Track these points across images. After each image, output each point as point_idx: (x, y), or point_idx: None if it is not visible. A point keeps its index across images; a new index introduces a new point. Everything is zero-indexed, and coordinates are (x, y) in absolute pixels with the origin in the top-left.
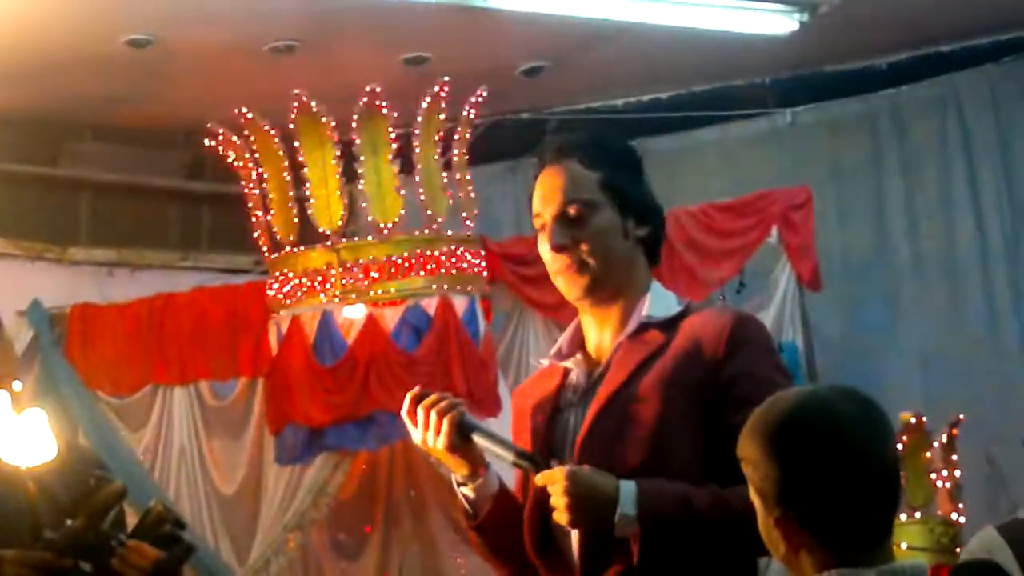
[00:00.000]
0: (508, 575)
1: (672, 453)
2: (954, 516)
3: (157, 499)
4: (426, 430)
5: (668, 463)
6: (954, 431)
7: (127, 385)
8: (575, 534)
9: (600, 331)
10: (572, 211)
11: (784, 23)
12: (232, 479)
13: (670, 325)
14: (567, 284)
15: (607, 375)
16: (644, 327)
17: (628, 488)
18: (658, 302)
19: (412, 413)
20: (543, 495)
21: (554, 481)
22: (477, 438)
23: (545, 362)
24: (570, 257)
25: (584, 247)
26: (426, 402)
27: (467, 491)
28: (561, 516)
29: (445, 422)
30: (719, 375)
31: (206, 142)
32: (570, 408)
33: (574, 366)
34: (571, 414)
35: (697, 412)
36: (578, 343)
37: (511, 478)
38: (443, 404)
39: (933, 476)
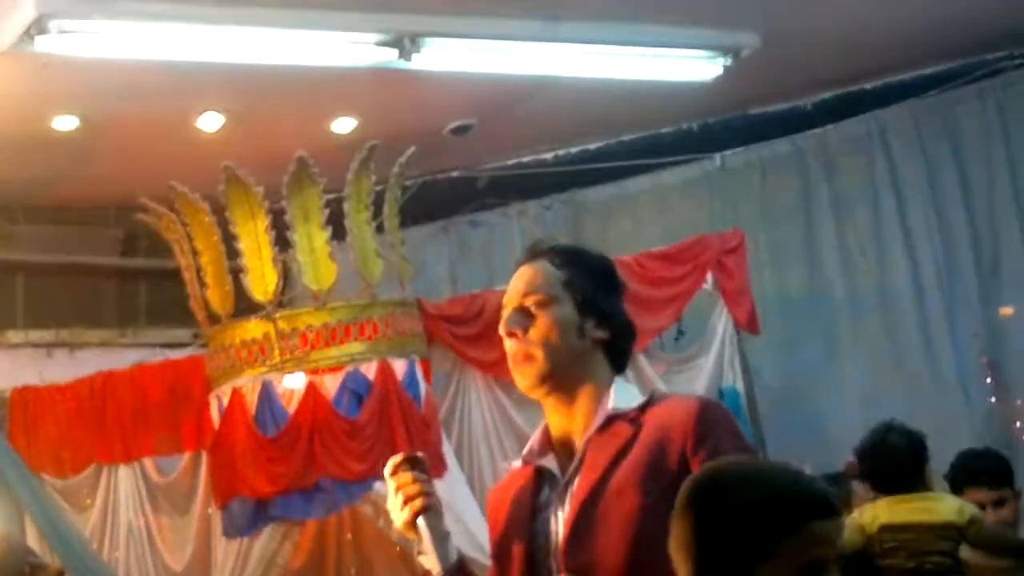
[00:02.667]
0: None
1: (654, 544)
2: None
3: None
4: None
5: (651, 555)
6: None
7: (71, 466)
8: None
9: (566, 430)
10: (528, 302)
11: (708, 68)
12: (181, 554)
13: (636, 416)
14: (516, 373)
15: (581, 472)
16: (611, 420)
17: None
18: (622, 394)
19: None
20: None
21: None
22: (423, 530)
23: (517, 463)
24: (519, 345)
25: (534, 337)
26: (400, 480)
27: (425, 560)
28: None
29: (407, 509)
30: (691, 462)
31: (138, 217)
32: (548, 508)
33: (547, 464)
34: (550, 514)
35: (673, 500)
36: (547, 442)
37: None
38: (412, 490)
39: None
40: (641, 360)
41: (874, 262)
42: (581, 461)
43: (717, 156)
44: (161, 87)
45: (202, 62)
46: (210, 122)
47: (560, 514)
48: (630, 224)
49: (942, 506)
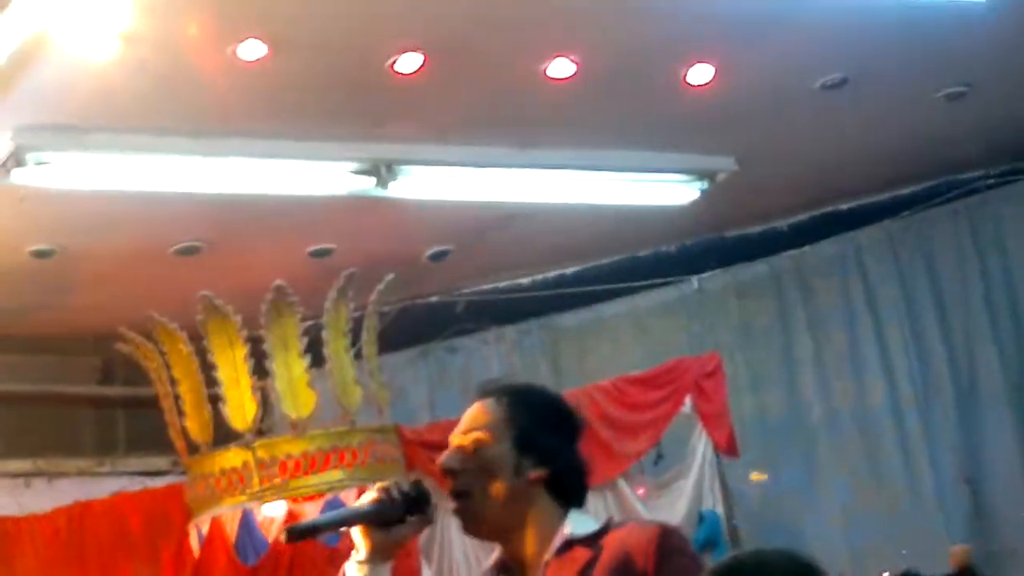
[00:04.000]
0: None
1: None
2: None
3: None
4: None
5: None
6: None
7: None
8: None
9: (517, 558)
10: (467, 440)
11: (685, 192)
12: None
13: (593, 541)
14: (454, 513)
15: None
16: (568, 545)
17: None
18: (579, 523)
19: None
20: None
21: None
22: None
23: None
24: (453, 483)
25: (467, 477)
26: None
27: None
28: None
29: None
30: None
31: (116, 346)
32: None
33: None
34: None
35: None
36: (501, 568)
37: None
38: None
39: None
40: (621, 484)
41: (852, 382)
42: None
43: (694, 279)
44: (138, 217)
45: (178, 192)
46: (188, 252)
47: None
48: (608, 348)
49: None
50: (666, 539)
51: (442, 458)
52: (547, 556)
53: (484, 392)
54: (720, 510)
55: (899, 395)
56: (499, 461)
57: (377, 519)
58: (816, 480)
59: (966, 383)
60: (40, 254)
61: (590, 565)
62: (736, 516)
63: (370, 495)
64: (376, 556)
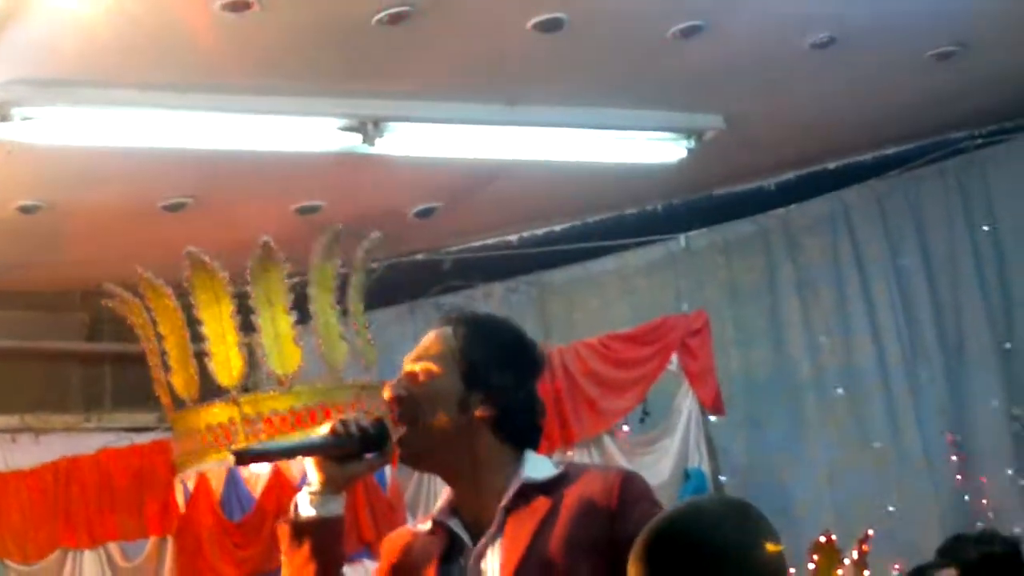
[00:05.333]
0: None
1: None
2: None
3: None
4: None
5: None
6: (864, 546)
7: (36, 551)
8: None
9: (469, 501)
10: (416, 368)
11: (672, 150)
12: None
13: (553, 488)
14: (395, 440)
15: (502, 544)
16: (526, 491)
17: None
18: (534, 465)
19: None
20: None
21: None
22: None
23: (425, 527)
24: (398, 408)
25: (411, 405)
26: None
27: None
28: None
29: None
30: (615, 531)
31: (103, 302)
32: (458, 574)
33: (456, 528)
34: None
35: (600, 570)
36: (450, 508)
37: None
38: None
39: None
40: (607, 441)
41: (839, 341)
42: (499, 533)
43: (682, 237)
44: (125, 173)
45: (165, 148)
46: (175, 207)
47: None
48: (595, 305)
49: None
50: (629, 485)
51: (389, 385)
52: (504, 502)
53: (446, 320)
54: (706, 468)
55: (886, 354)
56: (445, 394)
57: (331, 452)
58: (802, 438)
59: (953, 342)
60: (26, 209)
61: (551, 514)
62: (722, 473)
63: (326, 427)
64: (328, 489)
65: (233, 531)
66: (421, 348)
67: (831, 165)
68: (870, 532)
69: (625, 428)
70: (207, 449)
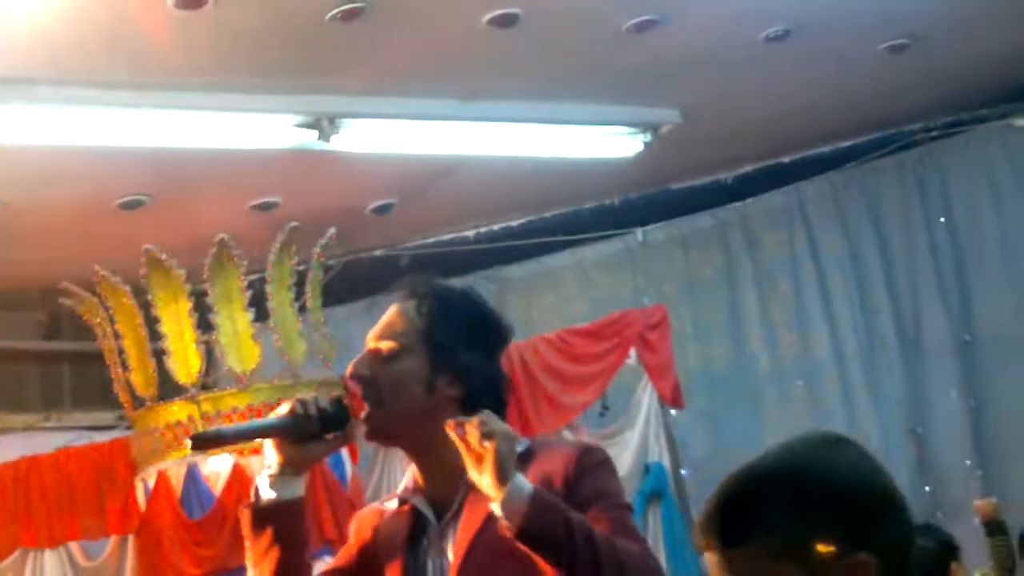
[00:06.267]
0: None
1: None
2: None
3: None
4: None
5: None
6: None
7: None
8: None
9: (432, 478)
10: (382, 347)
11: (629, 144)
12: None
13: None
14: (361, 420)
15: (461, 521)
16: None
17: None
18: None
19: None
20: None
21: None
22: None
23: (392, 504)
24: (363, 389)
25: (376, 386)
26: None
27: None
28: (486, 463)
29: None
30: (574, 496)
31: (61, 301)
32: (426, 554)
33: (420, 506)
34: (428, 560)
35: None
36: (416, 487)
37: None
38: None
39: None
40: (566, 435)
41: (797, 334)
42: (459, 509)
43: (639, 231)
44: (82, 171)
45: (122, 146)
46: (132, 205)
47: (438, 561)
48: (553, 300)
49: None
50: (586, 456)
51: (353, 363)
52: (466, 478)
53: (408, 294)
54: (666, 461)
55: (844, 347)
56: (410, 374)
57: (290, 433)
58: (762, 431)
59: (911, 335)
60: None
61: None
62: (682, 467)
63: (284, 408)
64: (287, 470)
65: (194, 529)
66: (384, 324)
67: (788, 159)
68: None
69: (583, 426)
70: (167, 447)
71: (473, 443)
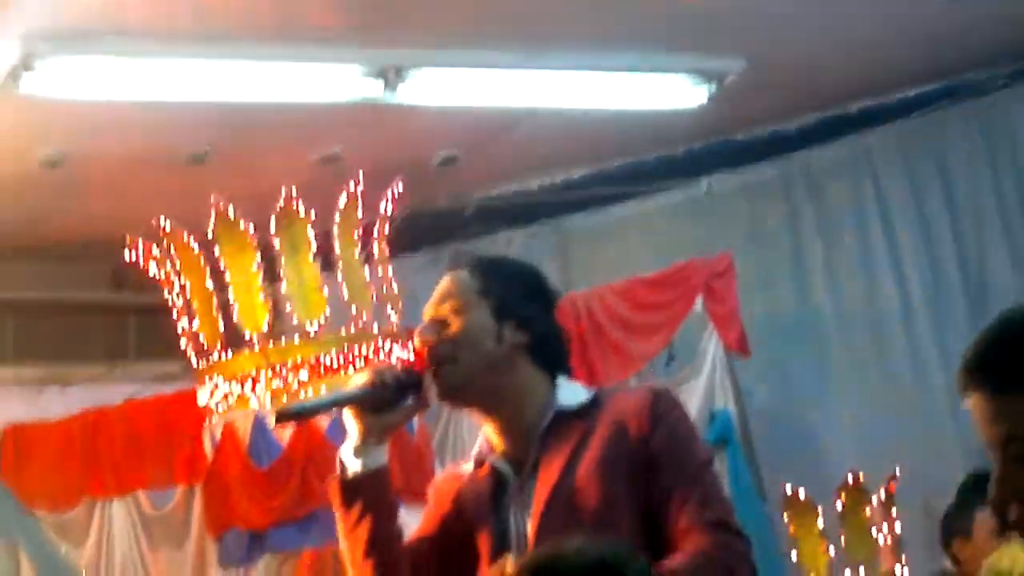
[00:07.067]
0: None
1: (619, 530)
2: (897, 569)
3: None
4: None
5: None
6: (891, 485)
7: (64, 501)
8: None
9: (508, 434)
10: (443, 312)
11: (693, 95)
12: None
13: (586, 413)
14: (435, 381)
15: (539, 473)
16: (559, 419)
17: None
18: (567, 393)
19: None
20: None
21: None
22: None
23: (469, 467)
24: (433, 352)
25: (446, 346)
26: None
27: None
28: None
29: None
30: (649, 445)
31: (126, 254)
32: (507, 510)
33: (499, 465)
34: (510, 516)
35: (635, 485)
36: (491, 448)
37: None
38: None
39: (874, 532)
40: (634, 385)
41: (862, 284)
42: (537, 462)
43: (703, 181)
44: (147, 123)
45: (186, 99)
46: (197, 158)
47: (520, 515)
48: (617, 251)
49: None
50: (658, 401)
51: (418, 332)
52: (538, 431)
53: (458, 264)
54: (732, 409)
55: (910, 298)
56: (479, 329)
57: (368, 402)
58: (826, 381)
59: (976, 286)
60: (49, 162)
61: (585, 438)
62: (748, 415)
63: (362, 378)
64: (369, 439)
65: (261, 479)
66: (441, 294)
67: (854, 108)
68: (897, 471)
69: (650, 375)
70: (234, 399)
71: None
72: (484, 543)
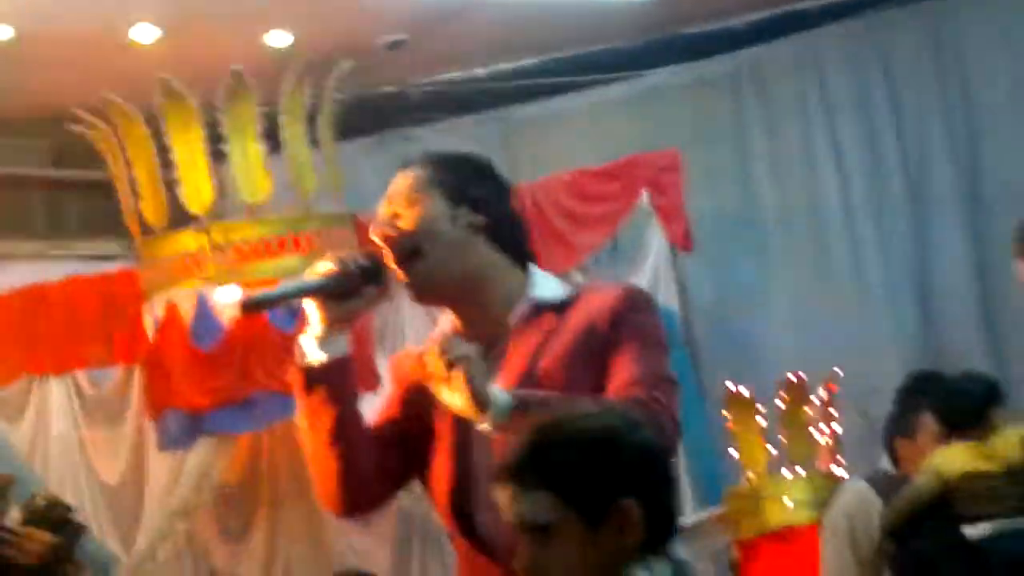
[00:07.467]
0: (334, 455)
1: None
2: (835, 470)
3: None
4: None
5: None
6: (831, 386)
7: (2, 376)
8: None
9: (476, 322)
10: (396, 206)
11: None
12: (114, 468)
13: (562, 307)
14: (401, 274)
15: (505, 361)
16: (537, 310)
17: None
18: (543, 283)
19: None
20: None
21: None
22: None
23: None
24: (393, 244)
25: (405, 239)
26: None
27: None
28: (458, 390)
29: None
30: (613, 341)
31: (70, 129)
32: None
33: None
34: None
35: (599, 379)
36: (454, 329)
37: None
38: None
39: (813, 432)
40: (576, 277)
41: (805, 183)
42: (503, 349)
43: (649, 74)
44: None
45: None
46: (145, 35)
47: None
48: (563, 142)
49: None
50: (631, 300)
51: (374, 228)
52: (514, 320)
53: (406, 163)
54: (675, 305)
55: (851, 198)
56: (434, 215)
57: (333, 290)
58: (767, 279)
59: (917, 186)
60: None
61: (556, 331)
62: (690, 312)
63: (325, 266)
64: (332, 328)
65: (203, 360)
66: (394, 190)
67: (800, 6)
68: (838, 371)
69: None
70: (176, 276)
71: (439, 372)
72: (443, 426)
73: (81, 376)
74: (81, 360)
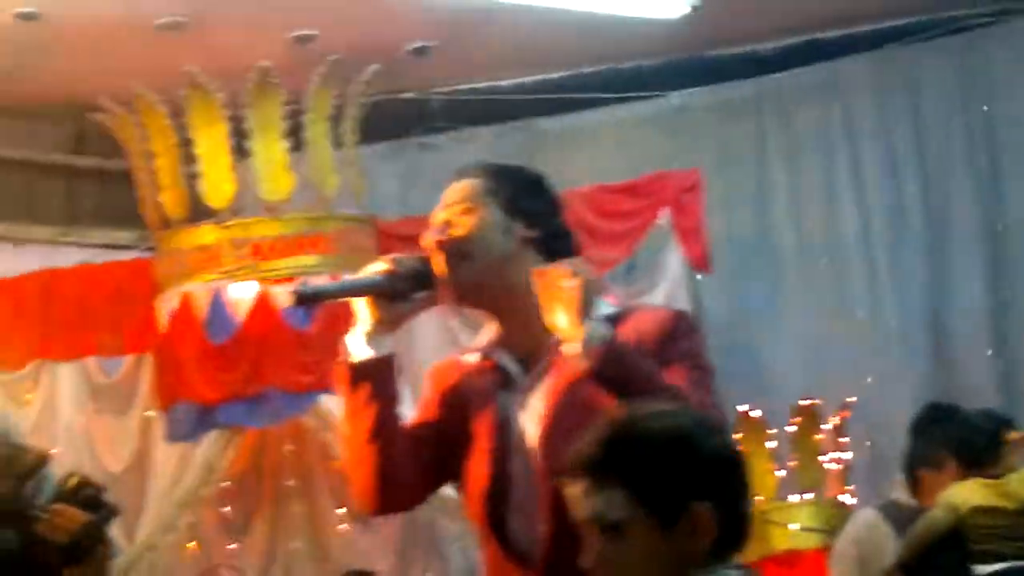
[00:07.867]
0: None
1: None
2: (843, 498)
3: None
4: None
5: None
6: (844, 414)
7: (12, 360)
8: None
9: (519, 334)
10: (451, 213)
11: (675, 6)
12: (120, 456)
13: (610, 325)
14: (447, 278)
15: (550, 378)
16: None
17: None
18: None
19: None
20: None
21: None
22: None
23: (472, 358)
24: (445, 250)
25: (457, 242)
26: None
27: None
28: (569, 300)
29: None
30: (663, 356)
31: (91, 117)
32: (510, 409)
33: (509, 366)
34: (514, 416)
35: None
36: (498, 341)
37: None
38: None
39: (823, 459)
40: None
41: (824, 210)
42: (547, 367)
43: (675, 95)
44: None
45: None
46: (171, 27)
47: (525, 417)
48: (586, 157)
49: None
50: (682, 319)
51: (428, 233)
52: (556, 339)
53: (462, 172)
54: None
55: (870, 228)
56: (489, 226)
57: (387, 289)
58: (783, 304)
59: (938, 223)
60: (24, 17)
61: None
62: (705, 332)
63: (379, 266)
64: (381, 328)
65: (215, 353)
66: (450, 197)
67: (827, 34)
68: (851, 400)
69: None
70: (192, 270)
71: (559, 282)
72: (482, 431)
73: (91, 363)
74: (91, 347)
